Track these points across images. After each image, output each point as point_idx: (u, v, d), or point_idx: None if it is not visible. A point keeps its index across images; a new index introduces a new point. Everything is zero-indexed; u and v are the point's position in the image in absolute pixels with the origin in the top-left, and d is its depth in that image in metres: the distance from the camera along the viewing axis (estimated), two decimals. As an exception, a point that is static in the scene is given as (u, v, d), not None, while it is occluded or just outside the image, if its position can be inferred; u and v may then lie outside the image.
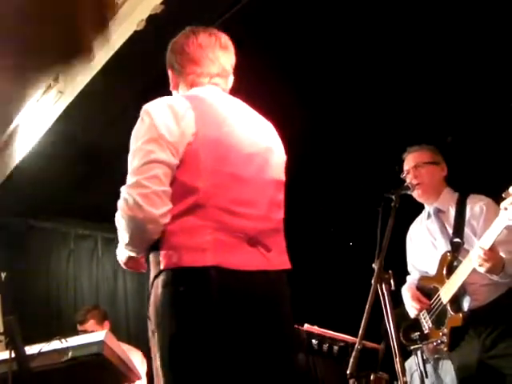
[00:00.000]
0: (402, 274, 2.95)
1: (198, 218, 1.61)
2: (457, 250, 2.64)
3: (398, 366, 2.16)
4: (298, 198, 5.02)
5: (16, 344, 2.15)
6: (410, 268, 3.00)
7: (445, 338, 2.57)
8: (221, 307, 1.55)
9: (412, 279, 2.94)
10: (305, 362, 3.43)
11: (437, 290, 2.66)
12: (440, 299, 2.63)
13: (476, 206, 2.69)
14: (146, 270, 1.80)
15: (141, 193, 1.57)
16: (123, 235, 1.64)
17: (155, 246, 1.64)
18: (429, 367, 2.88)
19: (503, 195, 2.30)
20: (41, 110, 4.23)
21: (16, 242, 5.17)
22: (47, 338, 2.26)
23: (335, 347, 3.27)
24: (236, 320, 1.57)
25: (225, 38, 1.91)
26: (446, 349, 2.58)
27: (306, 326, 3.39)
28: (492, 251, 2.37)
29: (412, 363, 2.80)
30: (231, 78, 1.95)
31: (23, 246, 5.22)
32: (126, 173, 1.66)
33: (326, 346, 3.30)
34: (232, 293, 1.58)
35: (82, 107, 3.86)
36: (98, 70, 3.59)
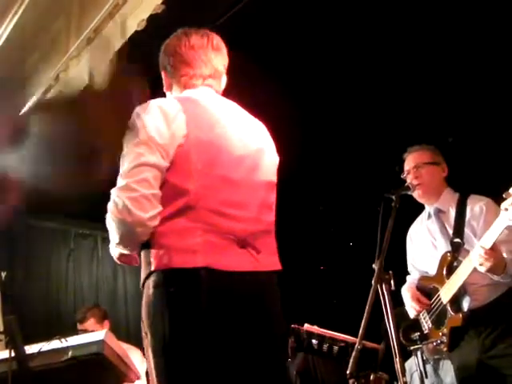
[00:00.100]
0: (402, 274, 2.95)
1: (189, 220, 1.62)
2: (457, 250, 2.64)
3: (397, 366, 2.16)
4: (298, 198, 5.03)
5: (16, 343, 2.15)
6: (409, 268, 3.00)
7: (445, 338, 2.57)
8: (211, 308, 1.57)
9: (412, 279, 2.94)
10: (304, 361, 3.43)
11: (437, 290, 2.66)
12: (440, 299, 2.63)
13: (476, 206, 2.69)
14: (138, 264, 1.81)
15: (130, 196, 1.59)
16: (113, 236, 1.66)
17: (146, 245, 1.65)
18: (429, 368, 2.88)
19: (504, 196, 2.30)
20: (41, 110, 4.23)
21: (16, 242, 5.17)
22: (47, 338, 2.26)
23: (335, 347, 3.27)
24: (226, 320, 1.59)
25: (217, 39, 1.92)
26: (445, 349, 2.58)
27: (306, 326, 3.39)
28: (493, 251, 2.37)
29: (412, 363, 2.81)
30: (224, 79, 1.96)
31: (23, 246, 5.22)
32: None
33: (326, 346, 3.29)
34: (222, 293, 1.60)
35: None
36: (98, 70, 3.59)
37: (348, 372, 2.16)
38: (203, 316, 1.56)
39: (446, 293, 2.59)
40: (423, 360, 2.67)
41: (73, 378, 2.30)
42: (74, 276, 5.48)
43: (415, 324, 2.76)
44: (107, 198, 1.65)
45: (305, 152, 4.48)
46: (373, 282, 2.26)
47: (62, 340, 2.23)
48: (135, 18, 3.26)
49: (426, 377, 2.67)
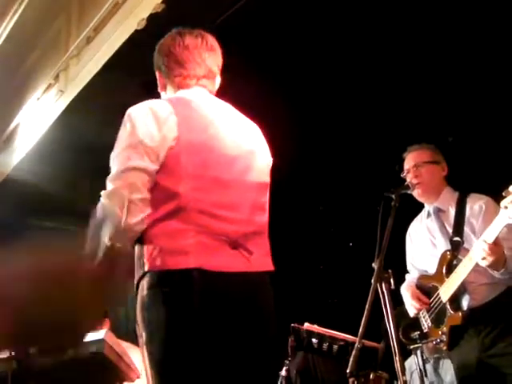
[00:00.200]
0: (401, 273, 2.95)
1: (181, 222, 1.63)
2: (456, 248, 2.64)
3: (397, 365, 2.17)
4: (298, 198, 5.03)
5: (16, 342, 2.15)
6: (409, 266, 3.00)
7: (444, 337, 2.57)
8: (203, 308, 1.58)
9: (411, 278, 2.94)
10: (304, 360, 3.44)
11: (436, 288, 2.66)
12: (439, 298, 2.63)
13: (476, 204, 2.69)
14: None
15: (117, 202, 1.60)
16: (104, 234, 1.66)
17: (140, 245, 1.67)
18: (429, 367, 2.88)
19: (503, 194, 2.31)
20: (41, 109, 4.23)
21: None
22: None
23: (335, 346, 3.27)
24: (218, 321, 1.60)
25: (211, 40, 1.93)
26: (445, 347, 2.58)
27: (306, 325, 3.39)
28: (495, 245, 2.38)
29: (412, 362, 2.81)
30: (218, 79, 1.96)
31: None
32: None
33: (325, 345, 3.29)
34: (214, 294, 1.61)
35: (83, 106, 3.87)
36: (98, 69, 3.60)
37: (348, 371, 2.16)
38: (196, 316, 1.57)
39: (445, 291, 2.59)
40: (423, 359, 2.68)
41: (73, 377, 2.30)
42: (74, 275, 5.48)
43: (415, 323, 2.75)
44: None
45: (305, 152, 4.48)
46: (372, 280, 2.26)
47: (62, 339, 2.23)
48: (135, 17, 3.26)
49: (426, 376, 2.67)
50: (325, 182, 4.97)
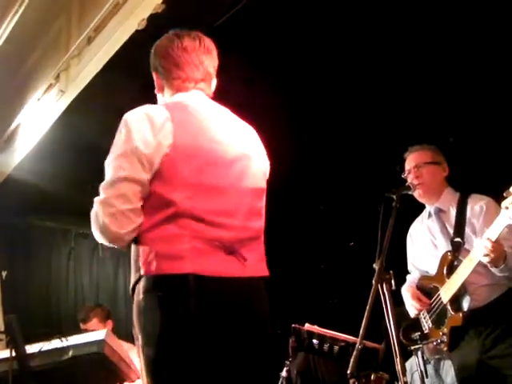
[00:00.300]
0: (402, 273, 2.95)
1: (177, 227, 1.64)
2: (457, 249, 2.64)
3: (398, 365, 2.16)
4: (299, 198, 5.03)
5: (17, 343, 2.16)
6: (410, 267, 3.00)
7: (445, 338, 2.57)
8: (199, 313, 1.59)
9: (412, 278, 2.94)
10: (305, 361, 3.43)
11: (437, 289, 2.66)
12: (440, 299, 2.62)
13: (476, 205, 2.69)
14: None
15: (108, 212, 1.63)
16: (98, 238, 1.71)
17: (136, 249, 1.68)
18: (429, 367, 2.88)
19: (504, 194, 2.31)
20: (42, 109, 4.23)
21: (17, 241, 5.17)
22: (48, 337, 2.27)
23: (336, 347, 3.27)
24: (214, 325, 1.61)
25: (208, 41, 1.92)
26: (445, 348, 2.58)
27: (307, 326, 3.39)
28: (497, 243, 2.38)
29: (412, 363, 2.81)
30: (214, 81, 1.96)
31: (24, 245, 5.22)
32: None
33: (326, 346, 3.29)
34: (210, 299, 1.61)
35: (83, 106, 3.87)
36: (98, 69, 3.59)
37: (348, 372, 2.16)
38: (191, 321, 1.58)
39: (446, 292, 2.59)
40: (424, 360, 2.67)
41: (73, 378, 2.30)
42: (74, 275, 5.48)
43: (415, 324, 2.75)
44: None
45: (306, 152, 4.48)
46: (373, 281, 2.26)
47: (63, 339, 2.24)
48: (136, 18, 3.26)
49: (427, 377, 2.67)
50: (326, 182, 4.97)
